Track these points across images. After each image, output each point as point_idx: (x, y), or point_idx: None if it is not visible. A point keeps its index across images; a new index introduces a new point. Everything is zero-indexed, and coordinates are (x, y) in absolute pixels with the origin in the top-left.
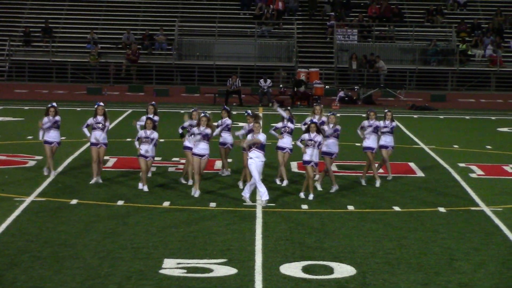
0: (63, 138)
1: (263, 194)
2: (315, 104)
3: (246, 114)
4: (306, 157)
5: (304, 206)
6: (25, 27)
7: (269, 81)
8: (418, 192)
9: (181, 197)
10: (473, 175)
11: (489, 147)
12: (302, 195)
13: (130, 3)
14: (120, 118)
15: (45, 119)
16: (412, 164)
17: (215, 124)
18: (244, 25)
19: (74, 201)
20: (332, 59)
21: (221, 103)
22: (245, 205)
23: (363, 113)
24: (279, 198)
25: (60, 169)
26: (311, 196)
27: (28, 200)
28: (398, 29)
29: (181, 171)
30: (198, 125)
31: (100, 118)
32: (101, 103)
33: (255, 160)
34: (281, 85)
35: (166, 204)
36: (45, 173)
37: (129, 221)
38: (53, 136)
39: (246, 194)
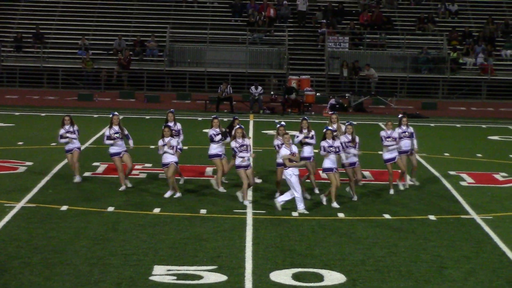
0: (53, 144)
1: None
2: (331, 112)
3: (278, 125)
4: (328, 164)
5: (295, 214)
6: (17, 33)
7: (260, 88)
8: (408, 200)
9: (171, 204)
10: (463, 183)
11: (479, 155)
12: (335, 204)
13: (121, 9)
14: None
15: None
16: None
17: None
18: (235, 32)
19: (64, 208)
20: (323, 67)
21: (212, 110)
22: (236, 211)
23: (354, 121)
24: (270, 205)
25: (49, 175)
26: (334, 204)
27: (18, 206)
28: (390, 37)
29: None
30: (234, 138)
31: (116, 128)
32: (116, 113)
33: (295, 174)
34: (272, 92)
35: (156, 210)
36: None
37: (120, 227)
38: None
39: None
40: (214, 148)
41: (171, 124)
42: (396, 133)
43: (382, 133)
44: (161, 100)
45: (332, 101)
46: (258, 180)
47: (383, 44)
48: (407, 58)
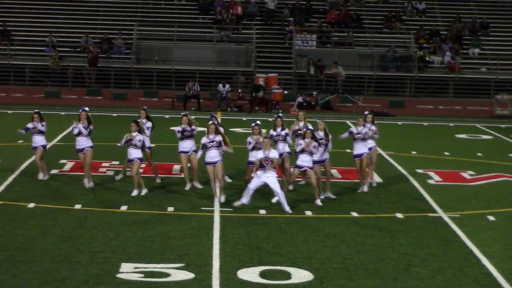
0: (20, 141)
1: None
2: (298, 110)
3: (254, 124)
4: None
5: (262, 211)
6: None
7: (227, 86)
8: (376, 198)
9: (138, 202)
10: (431, 181)
11: (447, 153)
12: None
13: (89, 7)
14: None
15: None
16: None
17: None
18: (203, 30)
19: (31, 205)
20: (291, 65)
21: (179, 107)
22: (203, 209)
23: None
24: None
25: (17, 173)
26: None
27: None
28: (357, 35)
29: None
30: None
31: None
32: (86, 108)
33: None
34: (239, 90)
35: (123, 208)
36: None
37: (87, 225)
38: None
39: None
40: (180, 145)
41: (143, 121)
42: (365, 129)
43: (352, 129)
44: (128, 98)
45: (300, 99)
46: (228, 180)
47: (351, 42)
48: (374, 57)
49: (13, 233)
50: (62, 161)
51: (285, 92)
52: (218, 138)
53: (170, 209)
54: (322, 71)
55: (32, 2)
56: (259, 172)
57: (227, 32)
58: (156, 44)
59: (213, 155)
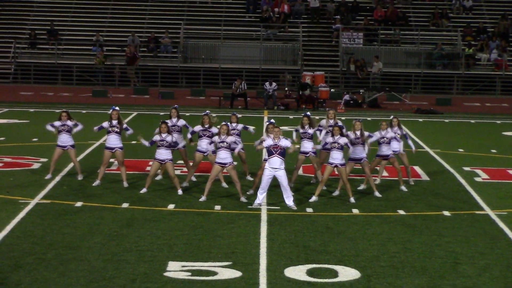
0: None
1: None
2: (328, 108)
3: (268, 122)
4: (332, 160)
5: (309, 210)
6: (31, 30)
7: (274, 84)
8: (423, 196)
9: (186, 200)
10: (478, 179)
11: (494, 151)
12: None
13: (136, 5)
14: (125, 121)
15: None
16: (417, 168)
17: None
18: (249, 28)
19: (79, 204)
20: (337, 63)
21: (226, 106)
22: (250, 208)
23: (368, 117)
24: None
25: (65, 171)
26: (352, 200)
27: (33, 202)
28: (404, 32)
29: (186, 173)
30: (218, 133)
31: (115, 122)
32: (116, 107)
33: (283, 171)
34: (286, 88)
35: (171, 207)
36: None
37: (134, 224)
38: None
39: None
40: (198, 144)
41: (174, 120)
42: (390, 133)
43: (377, 134)
44: (175, 97)
45: (346, 97)
46: (250, 179)
47: (397, 40)
48: (421, 54)
49: (61, 232)
50: (110, 160)
51: (331, 90)
52: (230, 139)
53: (217, 207)
54: (363, 70)
55: (79, 1)
56: (267, 164)
57: (274, 30)
58: (203, 42)
59: (223, 156)
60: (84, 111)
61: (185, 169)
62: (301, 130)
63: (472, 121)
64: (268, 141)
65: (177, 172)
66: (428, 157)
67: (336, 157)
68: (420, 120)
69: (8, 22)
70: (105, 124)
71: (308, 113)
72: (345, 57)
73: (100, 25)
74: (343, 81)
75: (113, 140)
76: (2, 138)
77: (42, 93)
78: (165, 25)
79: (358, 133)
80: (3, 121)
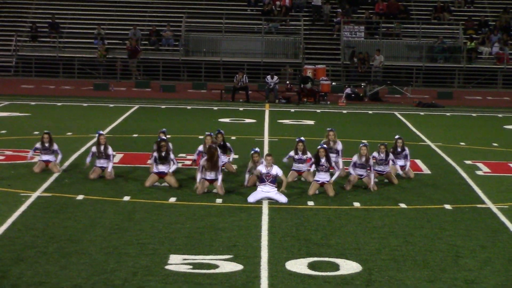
0: (69, 133)
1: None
2: (328, 129)
3: (253, 151)
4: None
5: (310, 203)
6: (32, 23)
7: (275, 77)
8: (424, 189)
9: (187, 193)
10: (479, 173)
11: (495, 144)
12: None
13: None
14: (127, 114)
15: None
16: (418, 161)
17: None
18: (251, 22)
19: (80, 197)
20: (339, 56)
21: (227, 99)
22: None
23: (370, 110)
24: (286, 195)
25: (66, 164)
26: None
27: (34, 195)
28: (405, 26)
29: (188, 166)
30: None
31: (102, 147)
32: (101, 131)
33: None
34: (287, 82)
35: (172, 200)
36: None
37: (135, 217)
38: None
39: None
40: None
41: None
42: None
43: (375, 154)
44: (177, 90)
45: (348, 90)
46: None
47: (399, 33)
48: (422, 48)
49: (62, 225)
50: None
51: (333, 83)
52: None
53: (219, 201)
54: (365, 63)
55: None
56: (259, 187)
57: (275, 23)
58: (205, 36)
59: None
60: (85, 104)
61: (187, 162)
62: (296, 157)
63: (474, 114)
64: (261, 169)
65: (179, 165)
66: (429, 150)
67: (323, 177)
68: (422, 113)
69: (10, 15)
70: (94, 149)
71: (302, 138)
72: (347, 50)
73: (101, 18)
74: (345, 74)
75: (103, 163)
76: (3, 131)
77: (44, 86)
78: (167, 18)
79: (363, 159)
80: (5, 114)
